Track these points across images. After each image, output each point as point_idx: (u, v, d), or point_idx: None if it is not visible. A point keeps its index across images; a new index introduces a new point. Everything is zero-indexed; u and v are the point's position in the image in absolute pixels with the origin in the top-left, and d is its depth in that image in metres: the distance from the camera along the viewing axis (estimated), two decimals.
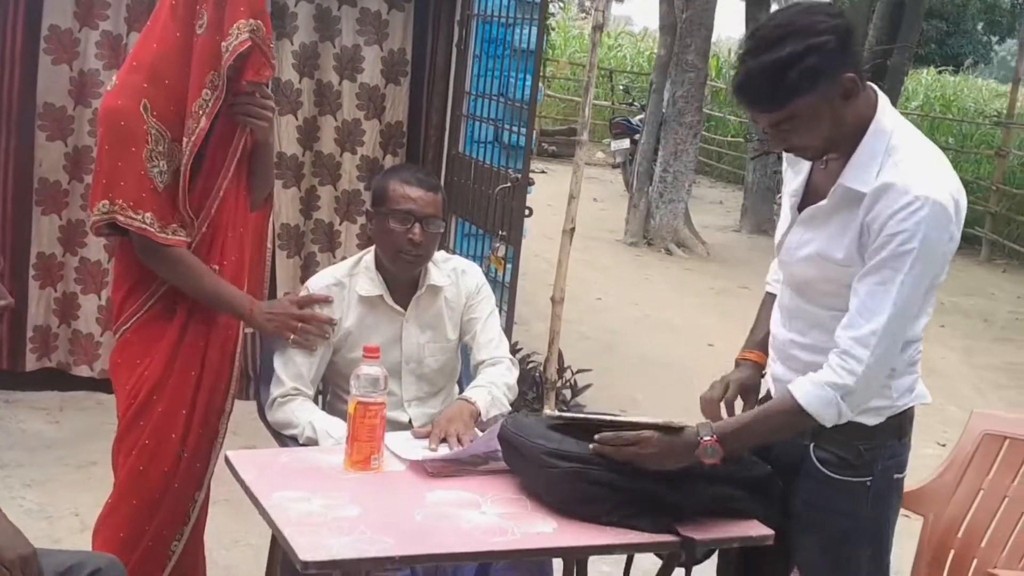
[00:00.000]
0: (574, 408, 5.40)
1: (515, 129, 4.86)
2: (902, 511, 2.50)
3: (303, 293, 3.04)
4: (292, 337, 2.91)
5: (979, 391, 7.29)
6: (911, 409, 2.37)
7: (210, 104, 2.71)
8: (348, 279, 3.02)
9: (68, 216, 4.91)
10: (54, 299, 4.97)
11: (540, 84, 4.92)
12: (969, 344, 8.65)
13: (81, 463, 4.37)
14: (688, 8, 10.57)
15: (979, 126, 17.18)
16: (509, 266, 4.72)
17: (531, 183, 4.70)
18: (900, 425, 2.34)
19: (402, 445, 2.64)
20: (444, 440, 2.67)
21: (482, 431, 2.68)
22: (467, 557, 2.33)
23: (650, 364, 6.94)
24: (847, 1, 13.08)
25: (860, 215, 2.18)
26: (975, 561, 2.95)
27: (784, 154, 2.38)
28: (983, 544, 2.96)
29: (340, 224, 5.30)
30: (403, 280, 3.02)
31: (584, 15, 30.08)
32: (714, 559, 2.51)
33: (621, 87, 18.33)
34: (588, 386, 5.72)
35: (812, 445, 2.35)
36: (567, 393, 5.60)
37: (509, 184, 4.70)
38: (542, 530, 2.25)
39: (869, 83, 2.24)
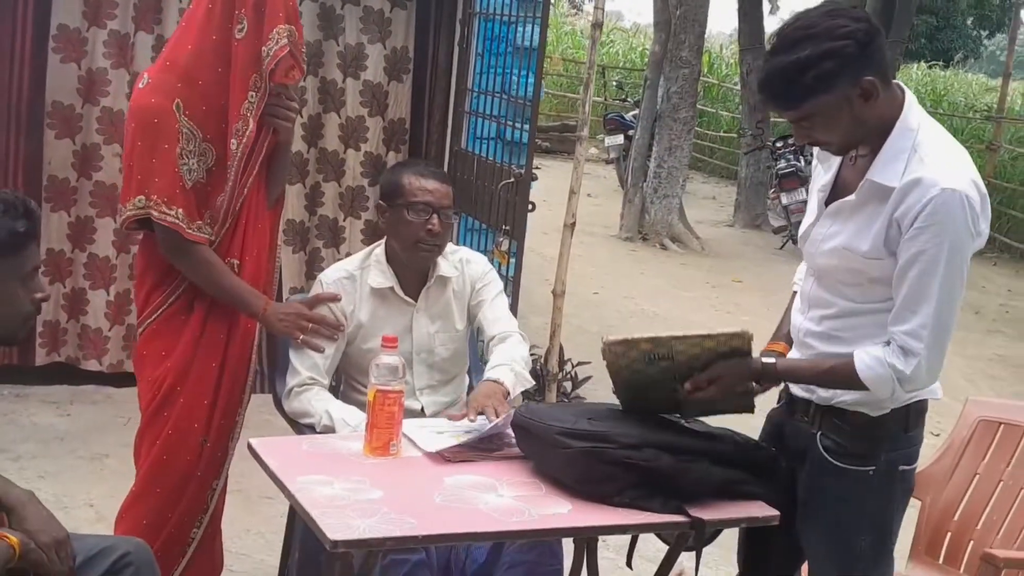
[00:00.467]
0: (575, 400, 5.48)
1: (517, 125, 4.92)
2: None
3: (316, 287, 3.12)
4: (301, 337, 2.98)
5: (971, 381, 7.37)
6: (921, 403, 2.42)
7: (255, 106, 2.79)
8: (360, 272, 3.10)
9: (77, 213, 4.95)
10: (63, 294, 5.01)
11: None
12: (961, 335, 8.69)
13: (94, 455, 4.44)
14: (682, 5, 10.64)
15: (970, 120, 17.19)
16: (513, 260, 4.79)
17: (534, 178, 4.76)
18: (906, 417, 2.39)
19: (421, 435, 2.68)
20: (481, 412, 2.72)
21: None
22: (487, 536, 2.41)
23: None
24: None
25: (888, 210, 2.25)
26: (971, 543, 3.03)
27: (815, 150, 2.46)
28: (979, 526, 3.05)
29: (344, 220, 5.35)
30: (413, 272, 3.10)
31: (575, 11, 30.12)
32: (718, 558, 2.57)
33: (614, 83, 18.26)
34: (588, 378, 5.79)
35: (819, 433, 2.42)
36: (568, 385, 5.68)
37: (512, 180, 4.78)
38: (557, 511, 2.33)
39: (896, 82, 2.30)
